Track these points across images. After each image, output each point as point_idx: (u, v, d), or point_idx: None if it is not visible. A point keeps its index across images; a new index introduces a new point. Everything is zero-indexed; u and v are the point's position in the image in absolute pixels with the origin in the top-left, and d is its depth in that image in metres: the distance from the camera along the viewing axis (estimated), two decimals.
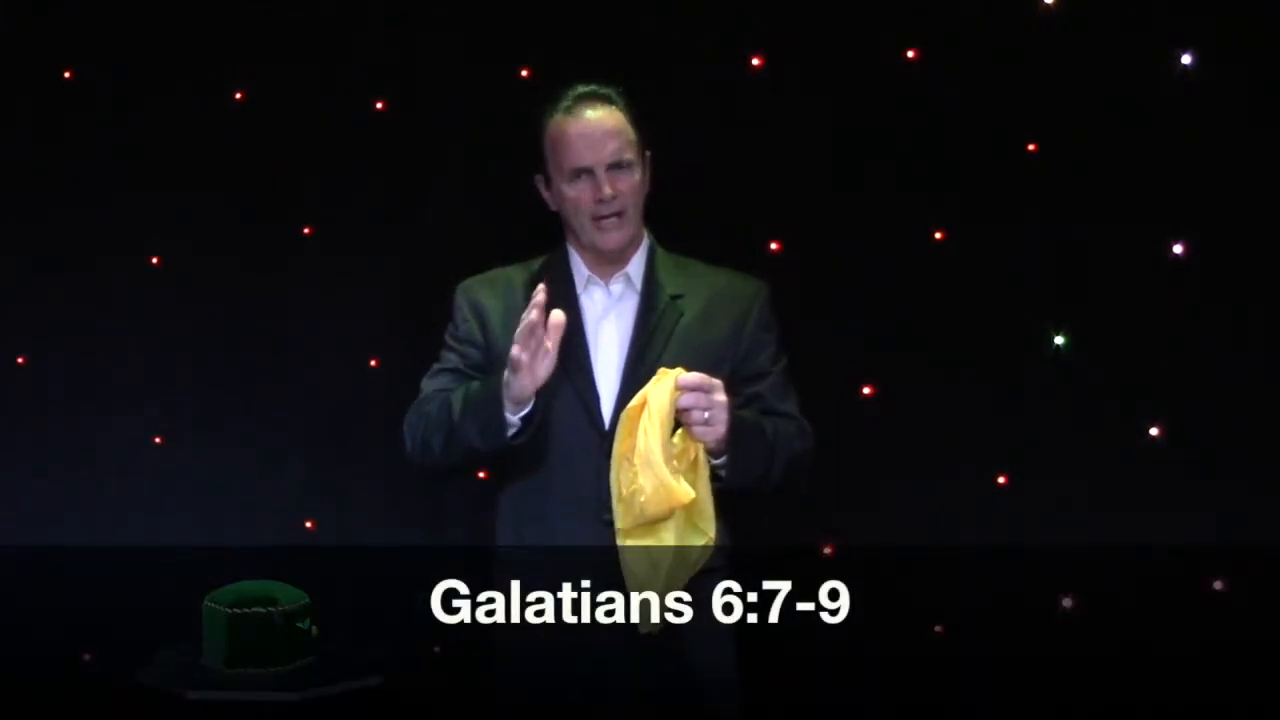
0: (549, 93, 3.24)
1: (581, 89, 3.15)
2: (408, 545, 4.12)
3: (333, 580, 4.04)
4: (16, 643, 4.15)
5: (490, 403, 3.01)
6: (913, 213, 3.90)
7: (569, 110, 3.13)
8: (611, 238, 3.13)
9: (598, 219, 3.11)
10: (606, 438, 3.04)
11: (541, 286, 2.93)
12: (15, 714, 4.15)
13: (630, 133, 3.13)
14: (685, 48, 3.92)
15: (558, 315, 2.91)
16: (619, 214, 3.12)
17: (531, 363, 2.91)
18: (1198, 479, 3.83)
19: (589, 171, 3.10)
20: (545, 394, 3.10)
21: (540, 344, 2.90)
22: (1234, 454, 3.82)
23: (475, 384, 3.12)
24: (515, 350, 2.90)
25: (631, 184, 3.13)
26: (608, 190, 3.09)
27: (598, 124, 3.12)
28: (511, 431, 3.03)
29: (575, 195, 3.12)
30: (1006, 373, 3.89)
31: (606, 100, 3.14)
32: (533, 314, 2.88)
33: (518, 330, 2.90)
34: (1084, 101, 3.83)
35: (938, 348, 3.91)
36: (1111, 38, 3.82)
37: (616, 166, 3.10)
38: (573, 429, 3.11)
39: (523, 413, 3.00)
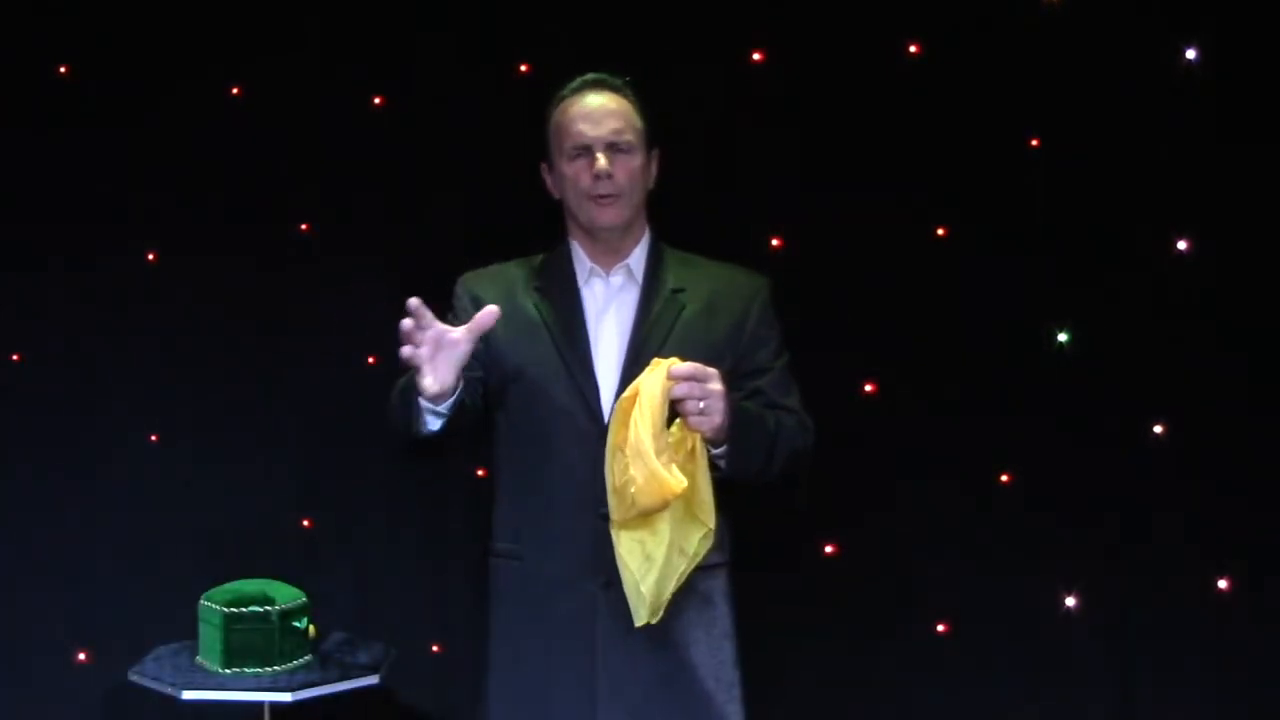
0: (548, 88, 3.25)
1: (590, 76, 3.19)
2: (406, 544, 4.11)
3: (330, 579, 4.04)
4: (12, 641, 4.15)
5: (411, 391, 2.94)
6: (915, 209, 3.89)
7: (575, 93, 3.17)
8: (606, 214, 3.13)
9: (593, 197, 3.12)
10: (605, 431, 3.03)
11: (416, 302, 2.83)
12: (11, 713, 4.14)
13: (634, 119, 3.16)
14: (686, 44, 3.91)
15: (491, 311, 2.87)
16: (615, 194, 3.12)
17: (430, 362, 2.84)
18: (1202, 478, 3.81)
19: (588, 149, 3.12)
20: (532, 389, 3.10)
21: (428, 344, 2.83)
22: (1239, 453, 3.80)
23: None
24: (406, 350, 2.83)
25: (630, 168, 3.14)
26: (603, 164, 3.10)
27: (600, 106, 3.15)
28: (431, 424, 2.96)
29: (574, 173, 3.14)
30: (1009, 370, 3.87)
31: (613, 88, 3.18)
32: (405, 321, 2.81)
33: (402, 328, 2.82)
34: (1087, 97, 3.82)
35: (940, 345, 3.89)
36: (1114, 33, 3.80)
37: (615, 147, 3.12)
38: (571, 422, 3.11)
39: (445, 404, 2.94)
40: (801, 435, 3.17)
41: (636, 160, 3.15)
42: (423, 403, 2.92)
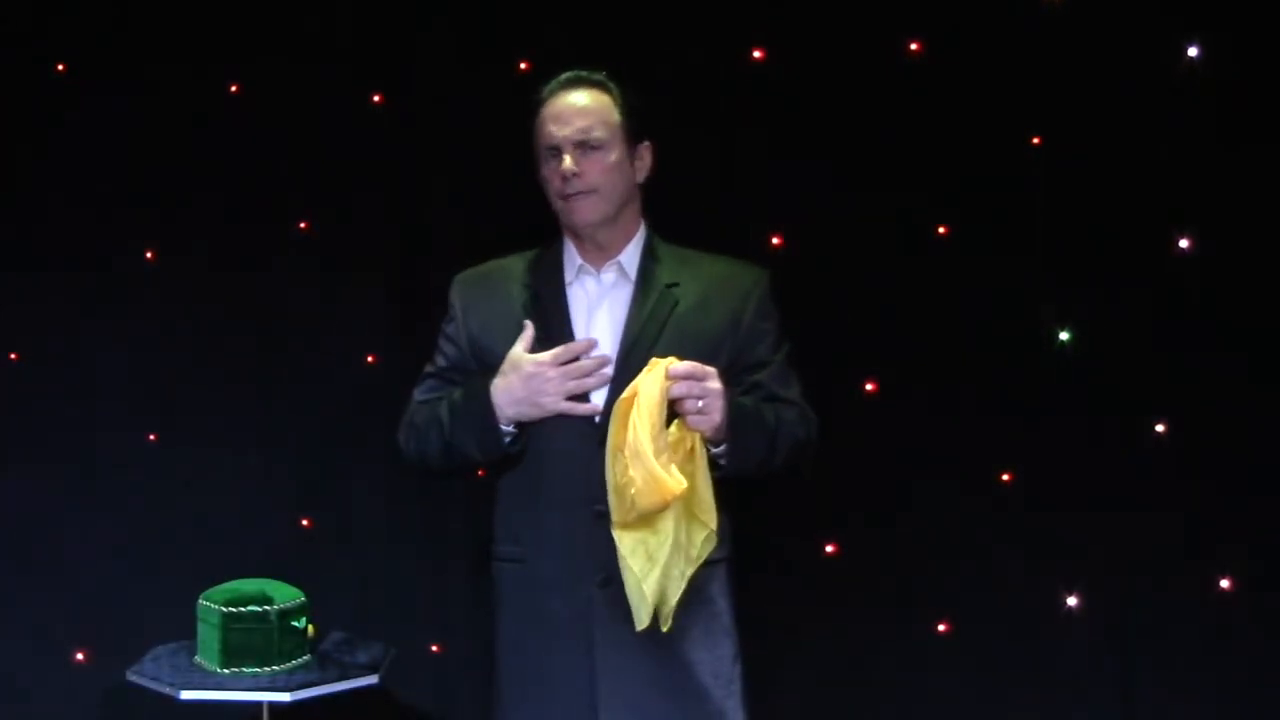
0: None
1: (566, 75, 3.17)
2: (405, 543, 4.11)
3: (330, 579, 4.03)
4: (10, 641, 4.14)
5: (482, 413, 3.05)
6: (915, 209, 3.88)
7: (552, 93, 3.16)
8: (580, 212, 3.12)
9: (564, 196, 3.11)
10: (597, 428, 3.03)
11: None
12: (10, 713, 4.13)
13: (609, 115, 3.13)
14: (686, 41, 3.91)
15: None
16: (585, 192, 3.11)
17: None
18: (1202, 477, 3.80)
19: (557, 150, 3.11)
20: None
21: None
22: (1239, 453, 3.79)
23: (459, 392, 3.14)
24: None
25: (602, 164, 3.11)
26: (568, 164, 3.09)
27: (570, 104, 3.13)
28: (508, 440, 3.09)
29: (548, 175, 3.14)
30: (1010, 370, 3.87)
31: (590, 84, 3.15)
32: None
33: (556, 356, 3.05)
34: (1087, 97, 3.81)
35: (940, 345, 3.89)
36: (1114, 33, 3.80)
37: (584, 145, 3.10)
38: (562, 420, 3.10)
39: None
40: (803, 426, 3.16)
41: (610, 156, 3.12)
42: (505, 425, 3.08)
